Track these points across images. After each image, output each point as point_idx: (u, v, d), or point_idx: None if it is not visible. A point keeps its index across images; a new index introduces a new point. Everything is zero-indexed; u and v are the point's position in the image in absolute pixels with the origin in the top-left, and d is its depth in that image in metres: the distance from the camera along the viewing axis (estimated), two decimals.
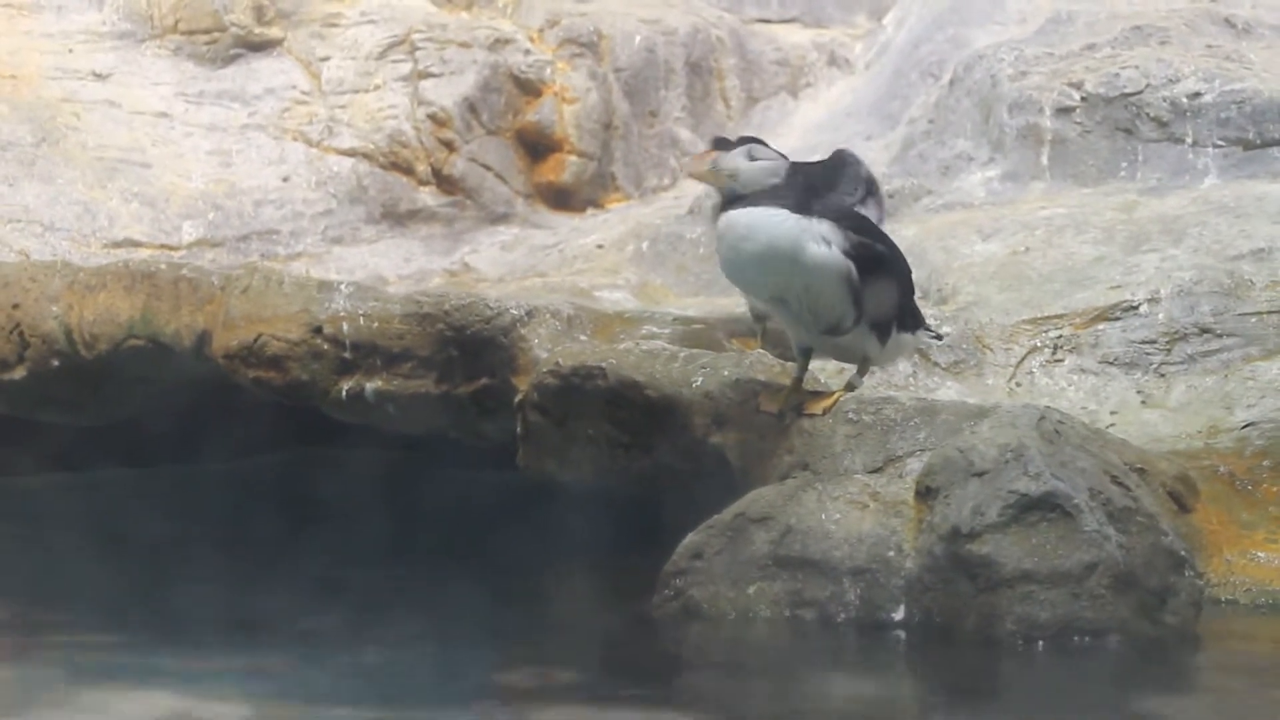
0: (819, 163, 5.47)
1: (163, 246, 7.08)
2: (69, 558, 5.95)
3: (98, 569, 5.83)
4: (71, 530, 6.31)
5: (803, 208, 5.13)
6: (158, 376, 6.59)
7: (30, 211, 7.07)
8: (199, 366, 6.37)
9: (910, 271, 5.46)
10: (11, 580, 5.74)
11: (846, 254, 5.16)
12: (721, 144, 5.24)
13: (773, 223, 5.14)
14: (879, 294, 5.25)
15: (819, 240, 5.14)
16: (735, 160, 5.18)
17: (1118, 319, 6.08)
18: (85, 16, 7.61)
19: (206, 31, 7.60)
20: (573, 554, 5.87)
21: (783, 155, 5.27)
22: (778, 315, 5.42)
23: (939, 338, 5.66)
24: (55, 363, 6.57)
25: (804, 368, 5.41)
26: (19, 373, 6.61)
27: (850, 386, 5.45)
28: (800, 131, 7.55)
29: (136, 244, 7.09)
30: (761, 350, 5.89)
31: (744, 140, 5.29)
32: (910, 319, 5.42)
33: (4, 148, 7.19)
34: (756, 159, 5.19)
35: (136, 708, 4.44)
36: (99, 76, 7.48)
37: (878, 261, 5.21)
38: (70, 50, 7.50)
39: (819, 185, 5.22)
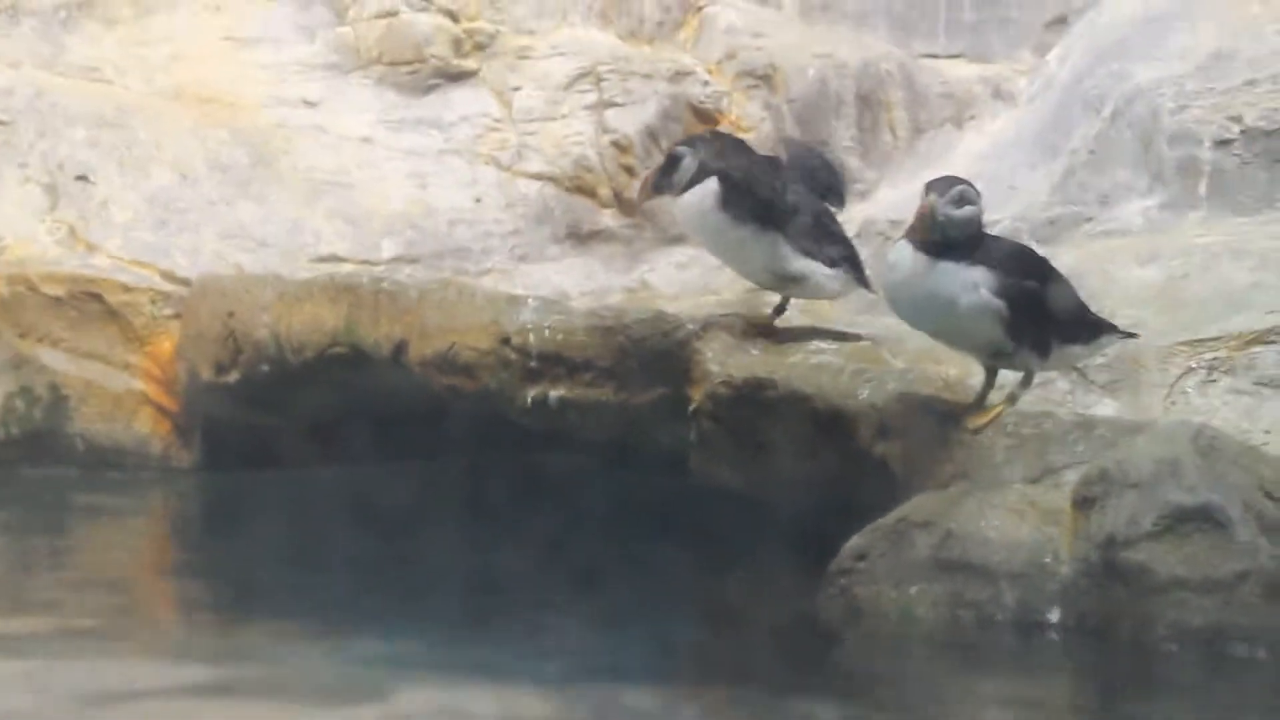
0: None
1: (364, 262, 7.20)
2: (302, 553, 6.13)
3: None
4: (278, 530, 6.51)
5: (965, 255, 5.26)
6: (354, 382, 6.72)
7: (245, 228, 7.23)
8: (394, 373, 6.50)
9: (1072, 292, 5.49)
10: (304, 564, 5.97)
11: (998, 294, 5.27)
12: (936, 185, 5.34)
13: (933, 273, 5.26)
14: (1033, 323, 5.34)
15: (971, 289, 5.27)
16: (949, 210, 5.28)
17: (1273, 342, 6.00)
18: (298, 49, 7.77)
19: (408, 63, 7.73)
20: (746, 555, 5.91)
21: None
22: (942, 343, 5.51)
23: (1133, 335, 5.67)
24: (265, 368, 6.74)
25: (990, 382, 5.47)
26: (233, 376, 6.79)
27: (1012, 398, 5.49)
28: (964, 161, 7.52)
29: (340, 259, 7.22)
30: None
31: (954, 181, 5.38)
32: (1083, 332, 5.47)
33: (223, 169, 7.36)
34: (965, 204, 5.30)
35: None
36: (309, 104, 7.64)
37: (1030, 296, 5.32)
38: (284, 80, 7.67)
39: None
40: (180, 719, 4.41)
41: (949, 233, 5.27)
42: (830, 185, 6.15)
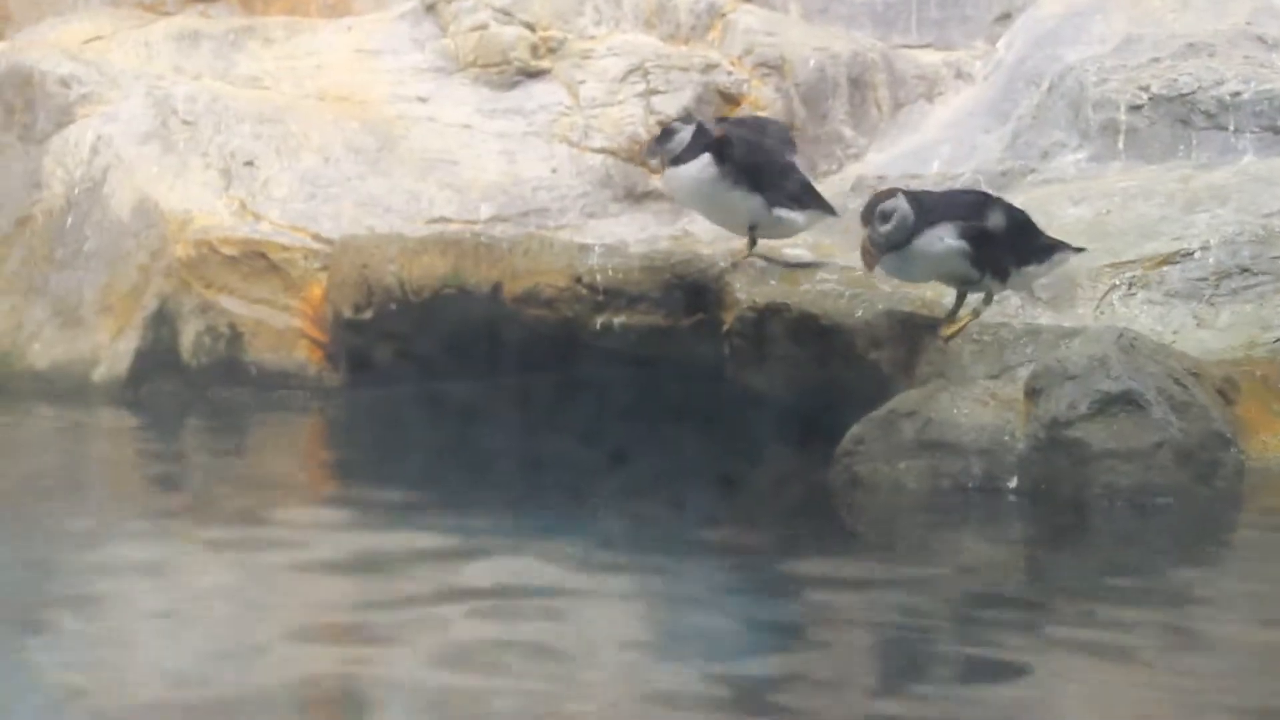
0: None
1: (467, 222, 7.22)
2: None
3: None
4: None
5: (928, 219, 5.25)
6: (460, 316, 6.72)
7: (374, 198, 7.25)
8: (491, 308, 6.53)
9: (1026, 222, 5.46)
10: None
11: (961, 236, 5.26)
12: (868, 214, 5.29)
13: (907, 253, 5.29)
14: (991, 257, 5.34)
15: (939, 240, 5.27)
16: (883, 229, 5.25)
17: (1178, 262, 6.04)
18: (412, 57, 7.78)
19: (497, 65, 7.72)
20: (771, 442, 5.93)
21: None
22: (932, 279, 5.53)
23: (1081, 250, 5.60)
24: (392, 307, 6.77)
25: (960, 302, 5.50)
26: (368, 314, 6.84)
27: (976, 313, 5.52)
28: (934, 128, 7.53)
29: (448, 220, 7.24)
30: None
31: (876, 202, 5.35)
32: (1036, 256, 5.43)
33: (357, 152, 7.39)
34: (889, 216, 5.24)
35: None
36: (421, 100, 7.65)
37: (986, 237, 5.30)
38: (402, 82, 7.67)
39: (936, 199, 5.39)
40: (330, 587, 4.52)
41: (892, 241, 5.25)
42: (783, 138, 6.20)
